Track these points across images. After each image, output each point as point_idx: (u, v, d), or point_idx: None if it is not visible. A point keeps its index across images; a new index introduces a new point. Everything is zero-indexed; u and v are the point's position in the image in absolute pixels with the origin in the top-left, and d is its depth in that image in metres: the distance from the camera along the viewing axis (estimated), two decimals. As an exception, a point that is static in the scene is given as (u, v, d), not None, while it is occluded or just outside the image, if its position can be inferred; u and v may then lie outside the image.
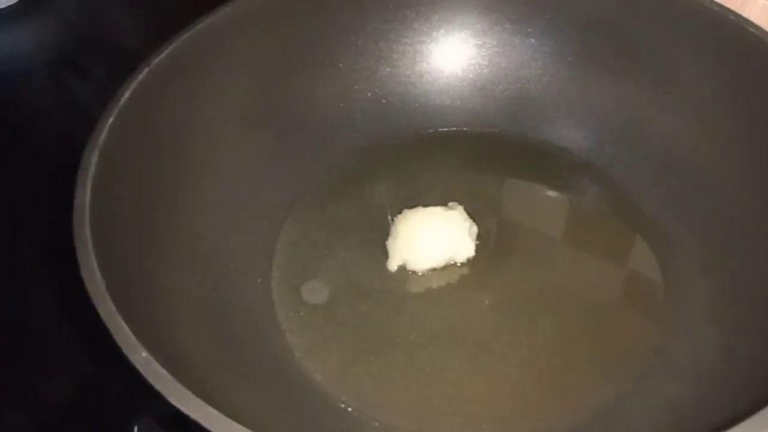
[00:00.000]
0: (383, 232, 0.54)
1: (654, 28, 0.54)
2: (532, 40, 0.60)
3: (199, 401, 0.30)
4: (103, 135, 0.43)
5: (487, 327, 0.49)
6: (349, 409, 0.45)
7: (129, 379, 0.50)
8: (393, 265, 0.52)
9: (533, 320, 0.50)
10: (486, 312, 0.50)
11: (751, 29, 0.49)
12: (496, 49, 0.61)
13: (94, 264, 0.36)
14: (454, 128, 0.62)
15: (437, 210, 0.54)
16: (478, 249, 0.53)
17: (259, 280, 0.52)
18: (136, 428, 0.50)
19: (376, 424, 0.44)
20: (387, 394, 0.46)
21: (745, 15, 0.50)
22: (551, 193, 0.58)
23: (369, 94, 0.61)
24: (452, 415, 0.45)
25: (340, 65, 0.60)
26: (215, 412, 0.30)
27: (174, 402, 0.30)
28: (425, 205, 0.55)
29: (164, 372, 0.31)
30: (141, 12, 0.83)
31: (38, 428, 0.51)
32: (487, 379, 0.47)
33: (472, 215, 0.54)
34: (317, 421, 0.44)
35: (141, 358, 0.32)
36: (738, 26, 0.49)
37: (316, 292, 0.52)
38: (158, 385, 0.31)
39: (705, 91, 0.53)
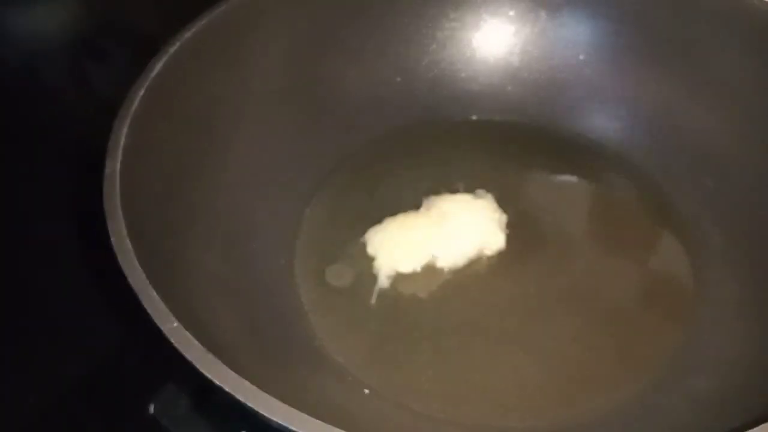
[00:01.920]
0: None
1: (692, 20, 0.53)
2: (567, 29, 0.59)
3: (230, 371, 0.30)
4: (134, 105, 0.42)
5: (514, 318, 0.49)
6: (373, 393, 0.44)
7: (147, 356, 0.51)
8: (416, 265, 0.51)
9: (560, 314, 0.49)
10: (513, 304, 0.50)
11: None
12: (530, 37, 0.60)
13: (124, 232, 0.35)
14: (483, 116, 0.61)
15: (466, 198, 0.53)
16: (506, 239, 0.52)
17: (282, 261, 0.51)
18: (152, 406, 0.50)
19: (400, 408, 0.43)
20: (412, 380, 0.45)
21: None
22: (581, 186, 0.57)
23: (398, 79, 0.60)
24: (479, 402, 0.44)
25: (369, 49, 0.59)
26: (246, 383, 0.29)
27: (204, 371, 0.30)
28: (452, 193, 0.54)
29: (195, 341, 0.30)
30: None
31: (55, 404, 0.51)
32: (513, 370, 0.46)
33: (500, 205, 0.54)
34: (340, 404, 0.43)
35: (172, 327, 0.31)
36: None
37: (340, 275, 0.51)
38: (189, 355, 0.30)
39: (743, 86, 0.52)
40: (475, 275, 0.51)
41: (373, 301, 0.49)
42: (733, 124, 0.53)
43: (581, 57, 0.59)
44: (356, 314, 0.49)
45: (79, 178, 0.42)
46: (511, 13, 0.60)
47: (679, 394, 0.44)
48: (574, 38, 0.59)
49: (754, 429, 0.29)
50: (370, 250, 0.51)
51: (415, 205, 0.54)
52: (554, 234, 0.54)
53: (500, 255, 0.52)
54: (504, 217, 0.53)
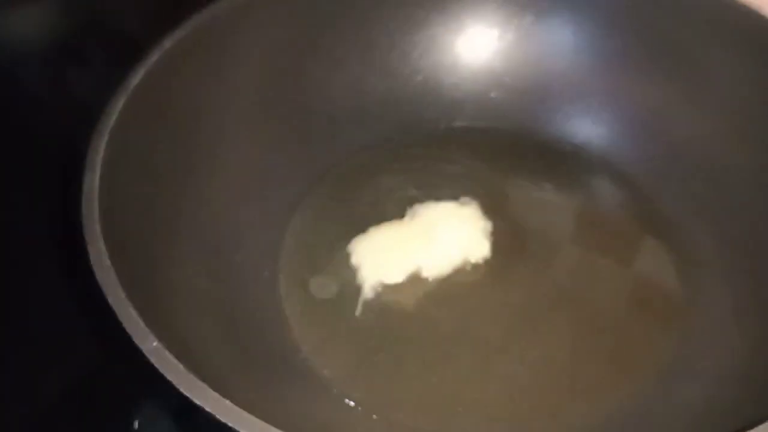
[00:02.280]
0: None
1: (681, 24, 0.53)
2: (552, 34, 0.58)
3: (211, 391, 0.29)
4: (113, 119, 0.41)
5: (501, 327, 0.48)
6: (358, 406, 0.44)
7: (130, 371, 0.50)
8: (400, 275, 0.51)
9: (548, 321, 0.49)
10: (500, 312, 0.49)
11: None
12: (514, 42, 0.59)
13: (104, 249, 0.35)
14: (468, 123, 0.61)
15: (450, 206, 0.53)
16: (491, 247, 0.52)
17: (266, 273, 0.51)
18: (136, 422, 0.49)
19: (385, 422, 0.43)
20: (398, 393, 0.45)
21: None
22: (567, 192, 0.57)
23: (381, 87, 0.60)
24: (465, 414, 0.44)
25: (354, 56, 0.59)
26: (228, 402, 0.29)
27: (185, 391, 0.29)
28: (437, 201, 0.53)
29: (175, 361, 0.30)
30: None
31: (38, 419, 0.50)
32: (501, 380, 0.46)
33: (485, 212, 0.53)
34: (325, 418, 0.43)
35: (152, 347, 0.30)
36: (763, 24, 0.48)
37: (325, 287, 0.50)
38: (169, 375, 0.30)
39: (732, 91, 0.52)
40: (461, 284, 0.51)
41: (358, 312, 0.49)
42: (721, 127, 0.53)
43: (566, 62, 0.59)
44: (341, 326, 0.48)
45: (60, 187, 0.41)
46: (495, 17, 0.60)
47: (670, 402, 0.44)
48: (559, 43, 0.59)
49: None
50: (355, 260, 0.51)
51: (400, 214, 0.53)
52: (540, 241, 0.54)
53: (486, 263, 0.52)
54: (489, 225, 0.52)
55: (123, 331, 0.32)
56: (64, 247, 0.53)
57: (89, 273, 0.34)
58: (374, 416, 0.43)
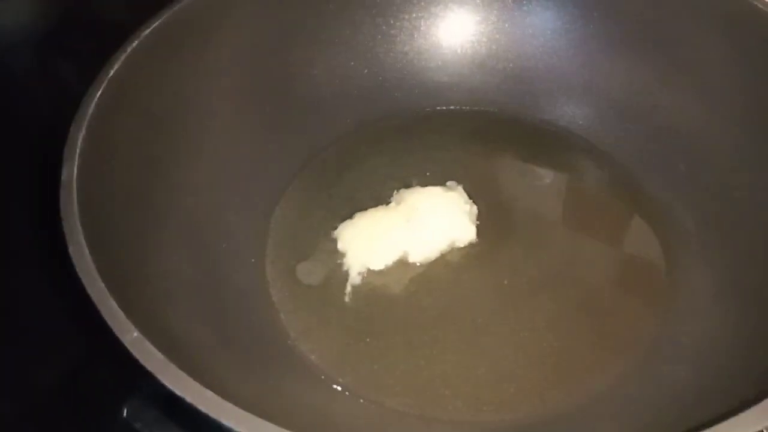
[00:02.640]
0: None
1: (661, 6, 0.53)
2: (534, 16, 0.58)
3: (192, 381, 0.29)
4: (90, 109, 0.41)
5: (488, 309, 0.48)
6: (347, 390, 0.44)
7: (118, 360, 0.50)
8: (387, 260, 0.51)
9: (534, 303, 0.49)
10: (486, 294, 0.49)
11: (762, 7, 0.47)
12: (497, 25, 0.59)
13: (83, 241, 0.34)
14: (452, 106, 0.61)
15: (436, 190, 0.53)
16: (477, 231, 0.52)
17: (252, 260, 0.51)
18: (125, 410, 0.49)
19: (374, 405, 0.43)
20: (385, 376, 0.45)
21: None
22: (552, 174, 0.57)
23: (366, 71, 0.60)
24: (452, 397, 0.44)
25: (337, 41, 0.59)
26: (209, 392, 0.29)
27: (166, 382, 0.29)
28: (422, 185, 0.53)
29: (156, 352, 0.30)
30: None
31: (28, 411, 0.50)
32: (487, 362, 0.46)
33: (471, 196, 0.53)
34: (313, 402, 0.43)
35: (132, 338, 0.30)
36: (748, 3, 0.48)
37: (312, 273, 0.50)
38: (149, 366, 0.30)
39: (712, 72, 0.52)
40: (448, 268, 0.51)
41: (346, 298, 0.49)
42: (703, 108, 0.53)
43: (548, 45, 0.59)
44: (329, 311, 0.48)
45: (43, 179, 0.41)
46: (477, 2, 0.59)
47: (654, 383, 0.44)
48: (542, 26, 0.58)
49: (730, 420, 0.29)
50: (341, 246, 0.51)
51: (386, 199, 0.53)
52: (526, 223, 0.54)
53: (472, 247, 0.52)
54: (475, 209, 0.52)
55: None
56: (48, 240, 0.53)
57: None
58: (361, 400, 0.44)
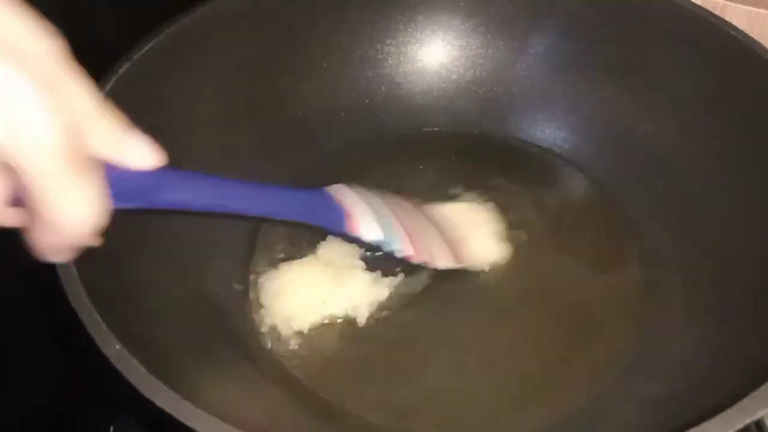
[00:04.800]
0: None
1: (637, 31, 0.55)
2: (516, 42, 0.60)
3: (171, 392, 0.30)
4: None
5: (468, 327, 0.49)
6: (330, 405, 0.45)
7: (106, 379, 0.50)
8: None
9: (514, 321, 0.50)
10: (467, 312, 0.50)
11: (732, 32, 0.49)
12: (480, 50, 0.61)
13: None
14: (437, 128, 0.62)
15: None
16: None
17: (236, 280, 0.51)
18: (111, 428, 0.49)
19: (355, 421, 0.44)
20: (368, 392, 0.46)
21: (726, 18, 0.50)
22: (533, 194, 0.57)
23: (353, 94, 0.61)
24: (433, 412, 0.45)
25: (325, 65, 0.60)
26: (189, 404, 0.29)
27: (145, 393, 0.30)
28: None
29: (137, 364, 0.30)
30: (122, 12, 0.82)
31: (16, 429, 0.51)
32: (467, 379, 0.47)
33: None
34: (296, 418, 0.43)
35: (115, 350, 0.31)
36: (719, 29, 0.50)
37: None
38: (131, 377, 0.30)
39: (687, 94, 0.53)
40: (430, 286, 0.51)
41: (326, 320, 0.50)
42: (679, 131, 0.54)
43: (531, 70, 0.60)
44: (313, 330, 0.49)
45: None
46: (462, 27, 0.61)
47: (631, 397, 0.45)
48: (524, 51, 0.60)
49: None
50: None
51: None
52: (506, 241, 0.54)
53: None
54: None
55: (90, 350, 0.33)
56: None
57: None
58: (345, 415, 0.44)
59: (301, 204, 0.44)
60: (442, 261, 0.49)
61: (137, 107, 0.46)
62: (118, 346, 0.31)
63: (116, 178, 0.29)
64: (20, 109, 0.24)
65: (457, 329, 0.49)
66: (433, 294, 0.51)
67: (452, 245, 0.51)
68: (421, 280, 0.51)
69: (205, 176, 0.37)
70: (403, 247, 0.47)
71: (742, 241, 0.47)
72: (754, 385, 0.31)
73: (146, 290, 0.43)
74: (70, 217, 0.26)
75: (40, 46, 0.25)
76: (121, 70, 0.46)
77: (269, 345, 0.48)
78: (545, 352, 0.48)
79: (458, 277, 0.52)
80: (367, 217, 0.46)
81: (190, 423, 0.29)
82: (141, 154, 0.30)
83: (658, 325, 0.48)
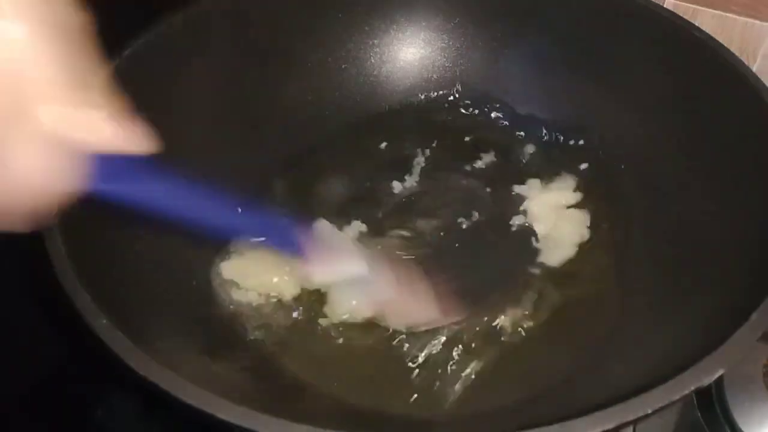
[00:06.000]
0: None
1: (609, 33, 0.57)
2: (494, 43, 0.63)
3: (153, 362, 0.31)
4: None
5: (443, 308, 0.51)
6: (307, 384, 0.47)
7: (93, 364, 0.52)
8: None
9: (489, 302, 0.51)
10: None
11: (697, 34, 0.51)
12: (461, 50, 0.64)
13: (60, 243, 0.37)
14: (419, 126, 0.64)
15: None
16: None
17: (218, 268, 0.53)
18: (99, 412, 0.51)
19: (330, 400, 0.46)
20: (344, 373, 0.48)
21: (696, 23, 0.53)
22: (515, 186, 0.59)
23: (336, 93, 0.63)
24: (409, 393, 0.47)
25: (309, 64, 0.62)
26: (172, 374, 0.31)
27: (131, 363, 0.31)
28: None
29: (123, 336, 0.32)
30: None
31: (3, 413, 0.52)
32: (443, 360, 0.48)
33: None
34: (277, 396, 0.45)
35: (102, 324, 0.33)
36: (685, 31, 0.52)
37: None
38: (117, 349, 0.32)
39: (657, 94, 0.55)
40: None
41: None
42: (650, 127, 0.56)
43: (510, 69, 0.63)
44: (295, 321, 0.51)
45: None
46: (443, 28, 0.64)
47: (598, 380, 0.46)
48: (502, 51, 0.63)
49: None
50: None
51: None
52: (492, 229, 0.57)
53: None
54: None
55: (85, 326, 0.34)
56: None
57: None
58: (319, 394, 0.47)
59: (263, 228, 0.44)
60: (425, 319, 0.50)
61: (126, 99, 0.49)
62: (104, 321, 0.33)
63: (104, 162, 0.30)
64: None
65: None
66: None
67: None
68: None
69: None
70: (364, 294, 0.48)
71: (705, 231, 0.49)
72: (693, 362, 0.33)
73: (133, 278, 0.45)
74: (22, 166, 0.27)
75: (65, 17, 0.27)
76: (112, 66, 0.48)
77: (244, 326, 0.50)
78: (524, 337, 0.50)
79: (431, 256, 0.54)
80: (333, 260, 0.47)
81: (171, 389, 0.31)
82: (135, 138, 0.31)
83: (627, 320, 0.50)
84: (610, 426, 0.30)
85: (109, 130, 0.30)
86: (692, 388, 0.31)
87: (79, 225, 0.39)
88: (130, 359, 0.32)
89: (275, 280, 0.51)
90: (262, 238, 0.45)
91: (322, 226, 0.52)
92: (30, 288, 0.55)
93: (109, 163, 0.31)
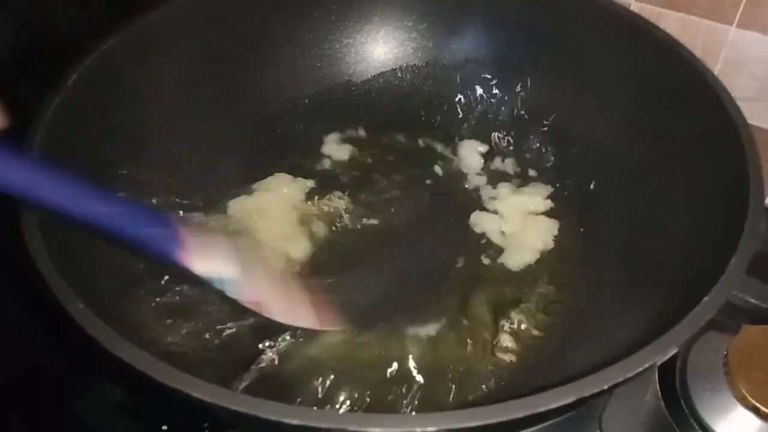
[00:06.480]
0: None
1: (575, 33, 0.59)
2: (467, 43, 0.64)
3: (128, 344, 0.32)
4: (47, 116, 0.44)
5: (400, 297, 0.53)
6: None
7: (71, 357, 0.52)
8: None
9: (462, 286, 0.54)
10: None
11: (658, 34, 0.53)
12: (433, 50, 0.65)
13: (36, 228, 0.38)
14: (393, 124, 0.66)
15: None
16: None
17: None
18: (76, 405, 0.51)
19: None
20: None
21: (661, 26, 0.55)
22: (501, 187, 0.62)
23: (312, 91, 0.65)
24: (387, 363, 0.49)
25: (284, 62, 0.64)
26: (145, 353, 0.32)
27: (106, 345, 0.32)
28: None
29: (97, 319, 0.33)
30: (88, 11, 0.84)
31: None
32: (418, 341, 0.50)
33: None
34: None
35: (78, 308, 0.34)
36: (647, 31, 0.54)
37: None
38: (92, 332, 0.33)
39: (620, 91, 0.57)
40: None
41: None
42: (614, 123, 0.58)
43: (482, 68, 0.65)
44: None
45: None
46: (416, 28, 0.65)
47: (560, 365, 0.48)
48: (475, 51, 0.64)
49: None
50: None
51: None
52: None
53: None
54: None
55: (64, 322, 0.35)
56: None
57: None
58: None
59: (127, 214, 0.40)
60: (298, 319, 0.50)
61: (106, 95, 0.50)
62: (81, 306, 0.34)
63: None
64: None
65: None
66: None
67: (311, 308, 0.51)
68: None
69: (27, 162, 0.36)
70: (247, 298, 0.46)
71: (667, 224, 0.50)
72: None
73: (108, 265, 0.46)
74: None
75: None
76: (88, 61, 0.49)
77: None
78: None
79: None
80: (208, 255, 0.44)
81: (147, 370, 0.32)
82: None
83: (591, 305, 0.52)
84: (569, 400, 0.31)
85: None
86: (647, 364, 0.33)
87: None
88: (105, 341, 0.33)
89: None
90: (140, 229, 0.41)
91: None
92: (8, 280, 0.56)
93: None
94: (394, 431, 0.29)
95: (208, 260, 0.43)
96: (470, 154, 0.64)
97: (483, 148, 0.64)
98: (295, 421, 0.29)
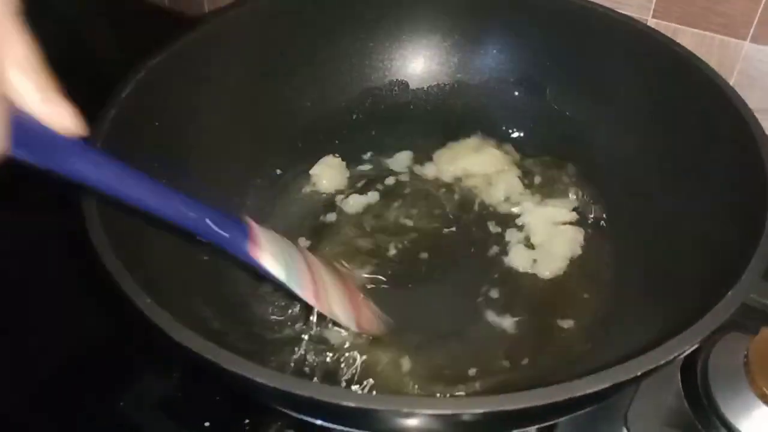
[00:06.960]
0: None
1: (593, 48, 0.62)
2: (489, 59, 0.67)
3: (191, 333, 0.35)
4: (105, 125, 0.47)
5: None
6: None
7: (117, 354, 0.54)
8: None
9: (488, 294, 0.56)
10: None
11: (676, 48, 0.56)
12: (458, 66, 0.69)
13: (101, 227, 0.40)
14: (420, 138, 0.69)
15: None
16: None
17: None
18: (122, 402, 0.53)
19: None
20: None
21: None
22: (520, 193, 0.65)
23: (343, 104, 0.68)
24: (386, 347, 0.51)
25: (317, 78, 0.67)
26: (211, 343, 0.34)
27: (173, 336, 0.35)
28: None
29: (164, 312, 0.35)
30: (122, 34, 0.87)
31: (29, 401, 0.55)
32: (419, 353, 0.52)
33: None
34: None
35: (146, 303, 0.36)
36: (664, 45, 0.56)
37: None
38: (161, 324, 0.35)
39: (637, 104, 0.59)
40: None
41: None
42: (635, 136, 0.60)
43: (504, 84, 0.68)
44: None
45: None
46: (442, 46, 0.68)
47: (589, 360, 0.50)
48: (497, 68, 0.68)
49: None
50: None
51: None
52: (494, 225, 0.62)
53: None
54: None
55: (119, 303, 0.37)
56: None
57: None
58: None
59: (203, 211, 0.42)
60: (341, 317, 0.51)
61: (151, 109, 0.53)
62: (147, 300, 0.36)
63: (28, 130, 0.31)
64: None
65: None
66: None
67: (354, 309, 0.52)
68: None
69: (115, 161, 0.37)
70: (303, 292, 0.48)
71: (684, 233, 0.52)
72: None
73: (167, 263, 0.48)
74: None
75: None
76: (138, 77, 0.52)
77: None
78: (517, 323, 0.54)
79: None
80: (273, 250, 0.46)
81: (207, 354, 0.34)
82: (63, 116, 0.31)
83: (621, 299, 0.55)
84: (606, 384, 0.33)
85: (39, 98, 0.30)
86: (676, 353, 0.35)
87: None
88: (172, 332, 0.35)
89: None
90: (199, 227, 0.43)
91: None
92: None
93: (36, 134, 0.31)
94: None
95: (275, 256, 0.46)
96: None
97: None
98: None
